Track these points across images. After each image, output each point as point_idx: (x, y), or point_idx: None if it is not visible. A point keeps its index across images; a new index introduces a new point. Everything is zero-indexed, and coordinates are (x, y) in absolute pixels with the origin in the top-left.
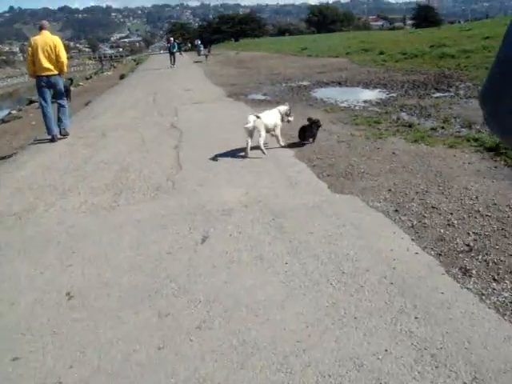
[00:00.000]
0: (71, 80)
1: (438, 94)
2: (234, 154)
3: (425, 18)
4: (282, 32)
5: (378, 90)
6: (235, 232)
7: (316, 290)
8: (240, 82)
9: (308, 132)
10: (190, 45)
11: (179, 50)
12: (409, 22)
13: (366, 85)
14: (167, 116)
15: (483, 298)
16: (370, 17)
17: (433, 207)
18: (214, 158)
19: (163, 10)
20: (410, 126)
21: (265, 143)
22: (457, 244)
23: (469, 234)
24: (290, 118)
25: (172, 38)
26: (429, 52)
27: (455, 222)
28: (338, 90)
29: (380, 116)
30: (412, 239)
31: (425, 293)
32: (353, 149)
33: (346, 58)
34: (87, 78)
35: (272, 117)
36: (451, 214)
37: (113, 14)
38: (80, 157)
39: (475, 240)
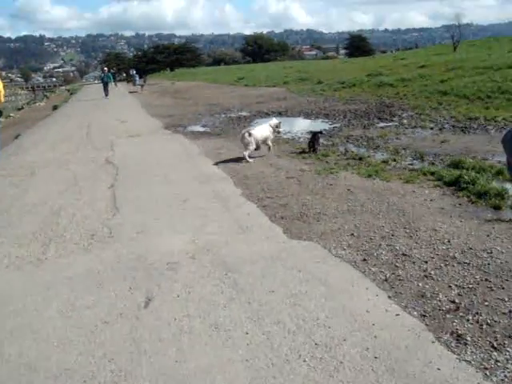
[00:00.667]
0: (0, 112)
1: (382, 124)
2: (175, 192)
3: (357, 47)
4: (217, 61)
5: (321, 120)
6: (183, 292)
7: (287, 370)
8: (177, 113)
9: (315, 142)
10: (125, 75)
11: (114, 80)
12: (342, 51)
13: (308, 115)
14: (102, 150)
15: (487, 373)
16: (304, 46)
17: (404, 254)
18: (154, 198)
19: (97, 39)
20: (360, 159)
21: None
22: (440, 301)
23: (451, 287)
24: (279, 130)
25: (106, 68)
26: (367, 81)
27: (432, 272)
28: (280, 121)
29: (327, 148)
30: (389, 296)
31: (418, 369)
32: (304, 186)
33: (284, 88)
34: (19, 109)
35: (263, 131)
36: (426, 262)
37: (46, 43)
38: (6, 198)
39: (460, 295)
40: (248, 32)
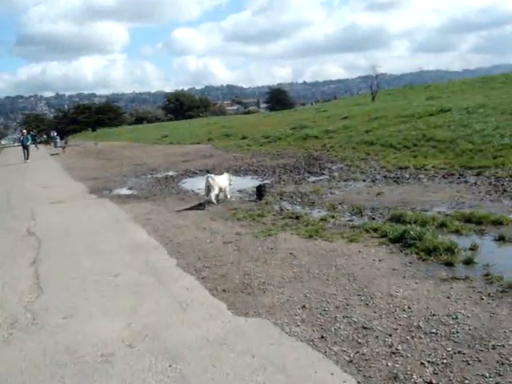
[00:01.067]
0: None
1: (313, 178)
2: (104, 266)
3: (278, 100)
4: (140, 120)
5: (250, 176)
6: None
7: None
8: (102, 176)
9: (263, 192)
10: (45, 136)
11: (34, 142)
12: (262, 105)
13: (236, 172)
14: (22, 220)
15: None
16: (225, 102)
17: (364, 327)
18: (82, 274)
19: (16, 101)
20: (297, 218)
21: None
22: (416, 383)
23: (424, 364)
24: (231, 182)
25: (25, 131)
26: (292, 134)
27: (399, 347)
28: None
29: (261, 207)
30: (358, 382)
31: None
32: (243, 251)
33: (210, 144)
34: None
35: (224, 180)
36: (390, 335)
37: None
38: None
39: (436, 373)
40: (169, 89)
